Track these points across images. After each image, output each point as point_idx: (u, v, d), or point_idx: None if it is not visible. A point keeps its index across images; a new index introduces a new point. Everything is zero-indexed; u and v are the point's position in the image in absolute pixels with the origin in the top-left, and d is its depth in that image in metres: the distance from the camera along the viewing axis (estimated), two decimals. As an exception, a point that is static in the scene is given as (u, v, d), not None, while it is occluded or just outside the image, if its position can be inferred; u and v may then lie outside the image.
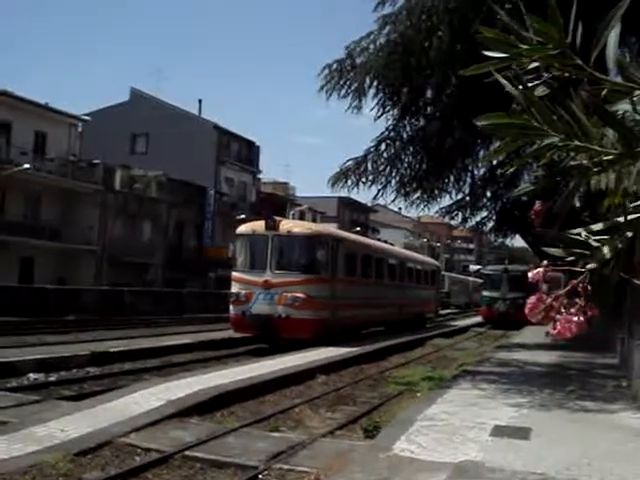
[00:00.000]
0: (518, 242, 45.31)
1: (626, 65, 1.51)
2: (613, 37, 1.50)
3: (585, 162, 1.57)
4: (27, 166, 37.24)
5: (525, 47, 1.51)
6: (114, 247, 45.07)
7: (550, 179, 1.72)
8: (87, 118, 49.94)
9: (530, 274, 1.65)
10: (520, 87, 1.53)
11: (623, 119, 1.53)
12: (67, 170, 44.74)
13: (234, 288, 23.94)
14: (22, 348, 19.15)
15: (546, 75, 1.59)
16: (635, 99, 1.51)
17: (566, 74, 1.53)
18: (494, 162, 21.51)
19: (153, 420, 10.13)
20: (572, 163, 1.60)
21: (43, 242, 40.55)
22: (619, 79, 1.50)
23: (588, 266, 1.58)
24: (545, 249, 1.68)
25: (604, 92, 1.53)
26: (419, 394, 15.02)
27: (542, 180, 1.77)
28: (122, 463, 8.28)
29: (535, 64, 1.56)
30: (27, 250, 39.86)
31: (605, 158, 1.51)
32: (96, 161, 46.27)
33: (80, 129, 49.41)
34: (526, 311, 1.62)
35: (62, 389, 14.68)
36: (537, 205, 1.80)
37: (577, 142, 1.50)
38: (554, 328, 1.58)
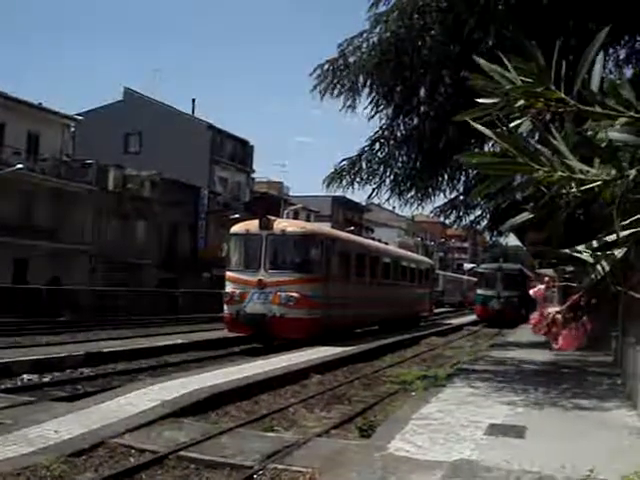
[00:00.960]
0: (512, 240, 45.41)
1: (603, 96, 1.53)
2: (597, 69, 1.53)
3: (572, 191, 1.59)
4: (20, 166, 37.10)
5: (509, 87, 1.55)
6: (108, 247, 44.92)
7: (541, 209, 1.75)
8: (80, 118, 49.76)
9: (531, 291, 1.67)
10: (505, 129, 1.57)
11: (609, 147, 1.55)
12: (60, 170, 44.57)
13: (228, 288, 23.92)
14: (16, 349, 19.11)
15: (532, 111, 1.62)
16: (617, 126, 1.53)
17: (551, 109, 1.56)
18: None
19: (147, 421, 10.11)
20: (562, 191, 1.63)
21: (36, 242, 40.35)
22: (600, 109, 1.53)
23: (584, 283, 1.61)
24: (541, 271, 1.71)
25: (588, 123, 1.56)
26: (414, 393, 15.01)
27: (534, 210, 1.80)
28: (116, 464, 8.26)
29: (521, 102, 1.59)
30: (21, 250, 39.70)
31: (591, 185, 1.53)
32: (89, 161, 46.09)
33: (73, 129, 49.26)
34: (530, 327, 1.64)
35: (56, 390, 14.65)
36: (531, 235, 1.87)
37: (560, 173, 1.54)
38: (556, 342, 1.59)
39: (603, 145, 1.56)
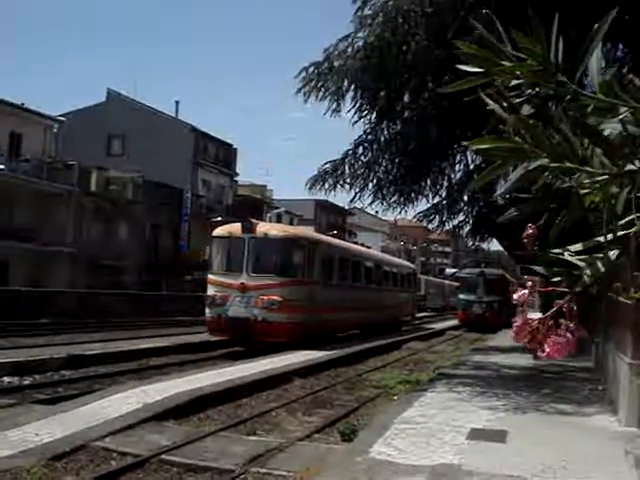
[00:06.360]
0: (494, 246, 45.52)
1: (611, 83, 1.47)
2: (596, 55, 1.47)
3: (575, 185, 1.52)
4: (2, 167, 36.90)
5: (507, 64, 1.48)
6: (90, 249, 44.67)
7: (541, 202, 1.67)
8: (63, 119, 49.52)
9: (515, 296, 1.61)
10: (506, 106, 1.48)
11: (612, 138, 1.48)
12: (42, 171, 44.29)
13: (210, 291, 23.85)
14: (-4, 351, 18.94)
15: (528, 92, 1.55)
16: (622, 117, 1.46)
17: (550, 92, 1.49)
18: (471, 167, 21.59)
19: (129, 424, 10.06)
20: (563, 186, 1.55)
21: (17, 244, 40.07)
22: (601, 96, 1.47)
23: (575, 287, 1.55)
24: (533, 267, 1.65)
25: (589, 109, 1.48)
26: (396, 397, 15.04)
27: (532, 204, 1.72)
28: (97, 467, 8.22)
29: (517, 81, 1.52)
30: (1, 252, 39.42)
31: (597, 179, 1.48)
32: (72, 162, 45.83)
33: (56, 130, 48.98)
34: (512, 334, 1.59)
35: (37, 393, 14.53)
36: (529, 229, 1.74)
37: (568, 164, 1.47)
38: (542, 350, 1.54)
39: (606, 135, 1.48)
